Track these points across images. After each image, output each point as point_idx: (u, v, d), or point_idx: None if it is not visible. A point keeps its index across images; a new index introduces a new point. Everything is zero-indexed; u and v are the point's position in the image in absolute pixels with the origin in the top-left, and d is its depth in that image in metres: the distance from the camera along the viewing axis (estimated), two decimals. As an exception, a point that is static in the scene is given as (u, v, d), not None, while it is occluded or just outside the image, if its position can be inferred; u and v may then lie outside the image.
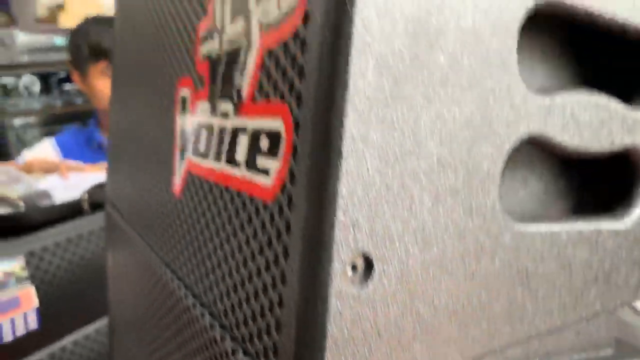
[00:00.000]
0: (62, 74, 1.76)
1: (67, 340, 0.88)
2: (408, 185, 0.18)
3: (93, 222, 0.94)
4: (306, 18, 0.19)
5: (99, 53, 1.13)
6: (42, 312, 0.84)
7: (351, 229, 0.17)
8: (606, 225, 0.25)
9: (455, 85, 0.19)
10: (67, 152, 1.26)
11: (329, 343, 0.18)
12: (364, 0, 0.16)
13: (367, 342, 0.18)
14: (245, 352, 0.22)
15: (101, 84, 1.16)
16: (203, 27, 0.29)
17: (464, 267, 0.20)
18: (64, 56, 1.72)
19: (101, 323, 0.93)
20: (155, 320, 0.38)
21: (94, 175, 1.02)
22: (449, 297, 0.20)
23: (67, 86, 1.77)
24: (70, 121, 1.76)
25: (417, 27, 0.18)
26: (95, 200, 0.94)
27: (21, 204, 0.90)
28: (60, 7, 2.71)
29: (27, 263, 0.83)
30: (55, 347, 0.87)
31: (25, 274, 0.83)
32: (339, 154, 0.17)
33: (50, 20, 2.67)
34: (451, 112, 0.19)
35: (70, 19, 2.62)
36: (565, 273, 0.23)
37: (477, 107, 0.19)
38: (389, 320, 0.19)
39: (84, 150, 1.25)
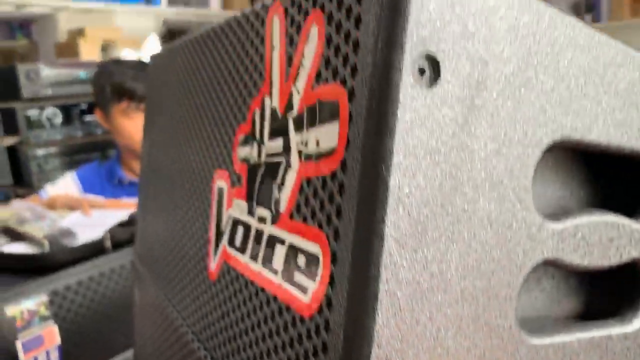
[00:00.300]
0: (83, 106, 1.81)
1: (87, 377, 0.90)
2: (435, 317, 0.20)
3: (114, 260, 0.96)
4: (344, 165, 0.21)
5: (121, 93, 1.17)
6: (63, 349, 0.86)
7: (384, 361, 0.20)
8: (615, 329, 0.27)
9: (476, 225, 0.21)
10: (87, 186, 1.29)
11: None
12: (397, 166, 0.19)
13: None
14: None
15: (124, 123, 1.20)
16: (241, 132, 0.31)
17: (484, 384, 0.22)
18: (86, 89, 1.77)
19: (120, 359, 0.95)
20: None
21: (116, 212, 1.05)
22: (470, 413, 0.22)
23: (88, 117, 1.82)
24: (90, 151, 1.81)
25: (443, 181, 0.20)
26: (117, 240, 0.97)
27: (46, 243, 0.93)
28: (80, 32, 2.79)
29: (51, 302, 0.86)
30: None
31: (48, 312, 0.85)
32: (375, 297, 0.19)
33: (70, 44, 2.75)
34: (473, 249, 0.21)
35: (89, 44, 2.70)
36: (577, 378, 0.25)
37: (496, 242, 0.22)
38: None
39: (104, 185, 1.29)
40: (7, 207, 1.09)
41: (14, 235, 0.98)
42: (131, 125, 1.20)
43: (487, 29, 0.20)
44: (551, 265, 0.25)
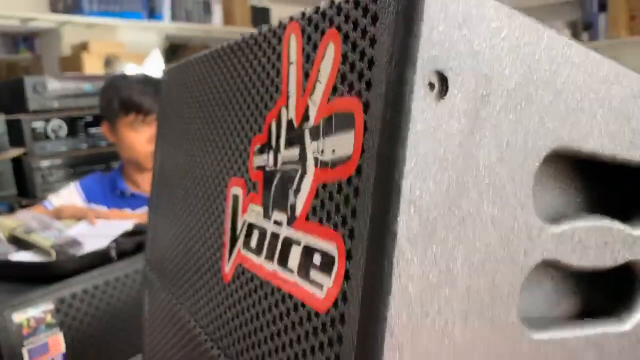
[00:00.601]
0: (89, 118, 1.84)
1: (91, 386, 0.91)
2: (443, 311, 0.22)
3: (119, 269, 0.98)
4: (359, 170, 0.23)
5: (129, 107, 1.20)
6: (68, 356, 0.87)
7: (397, 349, 0.21)
8: (611, 328, 0.28)
9: (481, 226, 0.23)
10: (90, 196, 1.31)
11: None
12: (409, 171, 0.21)
13: None
14: None
15: (129, 135, 1.23)
16: (257, 142, 0.33)
17: (488, 375, 0.24)
18: (91, 102, 1.80)
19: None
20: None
21: (120, 223, 1.07)
22: (475, 402, 0.23)
23: (93, 130, 1.85)
24: (95, 164, 1.83)
25: (450, 186, 0.22)
26: (122, 249, 0.99)
27: (53, 251, 0.94)
28: (83, 46, 2.83)
29: (57, 310, 0.87)
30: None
31: (54, 320, 0.86)
32: (388, 290, 0.21)
33: (74, 58, 2.79)
34: (477, 249, 0.23)
35: (93, 58, 2.74)
36: (575, 374, 0.27)
37: (499, 242, 0.23)
38: None
39: (106, 196, 1.31)
40: (13, 217, 1.10)
41: (21, 245, 0.99)
42: (137, 138, 1.23)
43: (490, 48, 0.22)
44: (550, 266, 0.27)
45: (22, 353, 0.80)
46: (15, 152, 1.70)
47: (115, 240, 0.99)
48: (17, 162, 1.76)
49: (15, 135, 1.70)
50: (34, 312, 0.85)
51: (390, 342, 0.21)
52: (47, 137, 1.73)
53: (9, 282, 0.89)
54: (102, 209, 1.18)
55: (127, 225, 1.05)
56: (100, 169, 1.81)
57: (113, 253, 0.98)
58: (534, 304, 0.29)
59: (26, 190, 1.74)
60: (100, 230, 1.05)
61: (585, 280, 0.30)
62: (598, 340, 0.28)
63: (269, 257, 0.30)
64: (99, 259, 0.96)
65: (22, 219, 1.07)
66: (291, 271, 0.28)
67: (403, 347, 0.21)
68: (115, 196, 1.29)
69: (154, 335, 0.57)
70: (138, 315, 0.68)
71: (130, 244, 1.01)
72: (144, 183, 1.28)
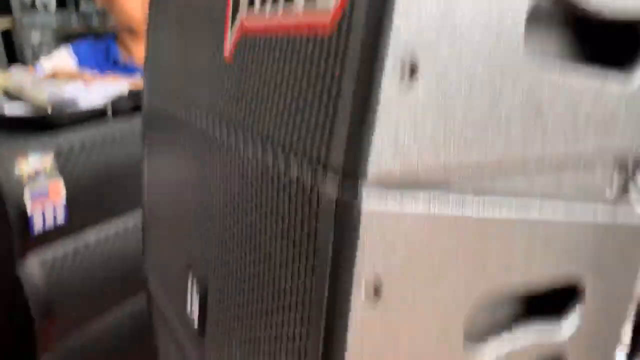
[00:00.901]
0: (78, -8, 1.76)
1: (90, 238, 0.94)
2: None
3: (115, 127, 0.98)
4: None
5: (121, -34, 1.14)
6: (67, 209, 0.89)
7: (402, 43, 0.21)
8: (611, 80, 0.29)
9: None
10: (83, 61, 1.28)
11: (376, 141, 0.22)
12: None
13: (405, 142, 0.23)
14: (299, 163, 0.27)
15: (122, -2, 1.18)
16: None
17: (489, 92, 0.24)
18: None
19: (118, 226, 0.98)
20: (203, 196, 0.43)
21: (115, 83, 1.06)
22: (477, 111, 0.24)
23: (83, 6, 1.77)
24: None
25: None
26: (117, 108, 0.98)
27: (48, 106, 0.94)
28: None
29: (56, 159, 0.87)
30: (79, 242, 0.93)
31: (54, 168, 0.87)
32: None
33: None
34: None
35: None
36: (571, 116, 0.27)
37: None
38: (425, 127, 0.23)
39: (99, 63, 1.28)
40: (7, 74, 1.08)
41: (15, 99, 0.98)
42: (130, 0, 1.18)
43: None
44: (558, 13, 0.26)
45: (23, 195, 0.82)
46: (3, 22, 1.64)
47: (111, 100, 0.98)
48: (6, 37, 1.70)
49: (2, 4, 1.64)
50: (34, 159, 0.85)
51: (397, 33, 0.21)
52: (34, 7, 1.67)
53: (6, 133, 0.89)
54: (97, 73, 1.15)
55: (123, 87, 1.03)
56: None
57: (109, 111, 0.98)
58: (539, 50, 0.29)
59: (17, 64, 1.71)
60: (95, 90, 1.04)
61: (591, 35, 0.30)
62: (597, 89, 0.28)
63: (274, 6, 0.30)
64: (95, 115, 0.96)
65: (16, 77, 1.05)
66: (296, 13, 0.28)
67: (410, 38, 0.22)
68: (109, 64, 1.26)
69: (154, 184, 0.58)
70: (137, 175, 0.68)
71: (126, 105, 1.00)
72: (138, 52, 1.24)
